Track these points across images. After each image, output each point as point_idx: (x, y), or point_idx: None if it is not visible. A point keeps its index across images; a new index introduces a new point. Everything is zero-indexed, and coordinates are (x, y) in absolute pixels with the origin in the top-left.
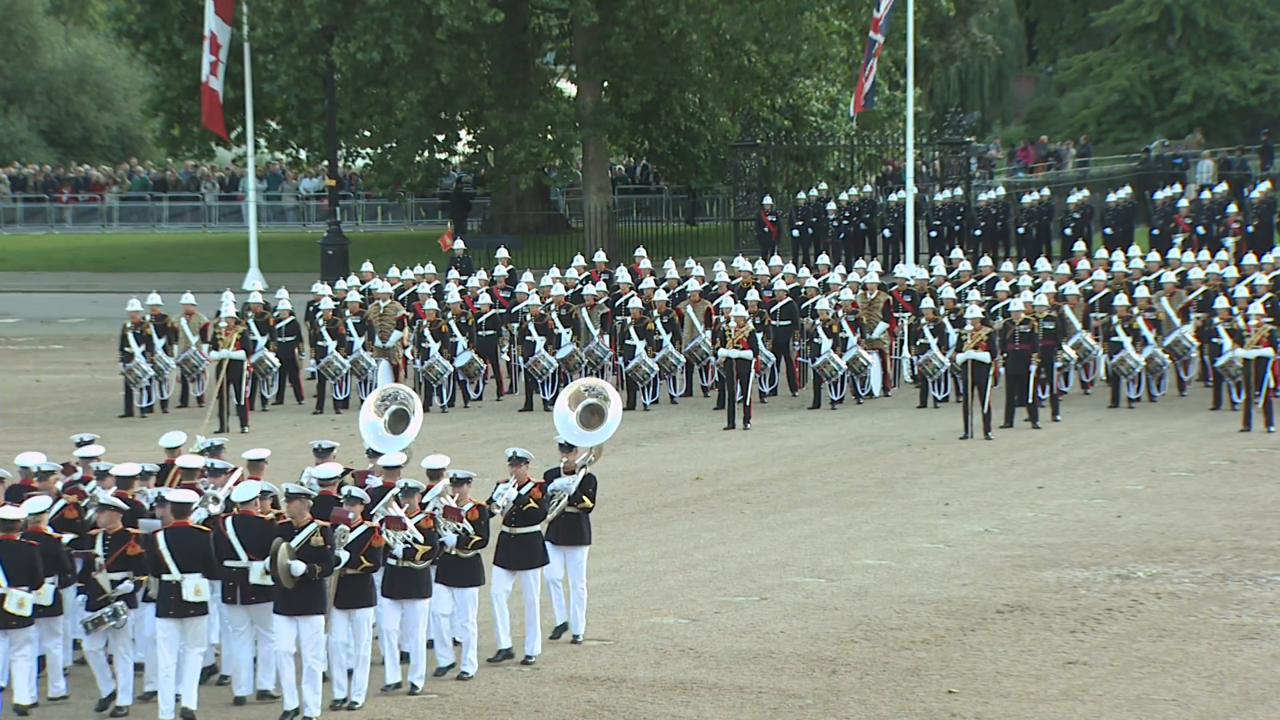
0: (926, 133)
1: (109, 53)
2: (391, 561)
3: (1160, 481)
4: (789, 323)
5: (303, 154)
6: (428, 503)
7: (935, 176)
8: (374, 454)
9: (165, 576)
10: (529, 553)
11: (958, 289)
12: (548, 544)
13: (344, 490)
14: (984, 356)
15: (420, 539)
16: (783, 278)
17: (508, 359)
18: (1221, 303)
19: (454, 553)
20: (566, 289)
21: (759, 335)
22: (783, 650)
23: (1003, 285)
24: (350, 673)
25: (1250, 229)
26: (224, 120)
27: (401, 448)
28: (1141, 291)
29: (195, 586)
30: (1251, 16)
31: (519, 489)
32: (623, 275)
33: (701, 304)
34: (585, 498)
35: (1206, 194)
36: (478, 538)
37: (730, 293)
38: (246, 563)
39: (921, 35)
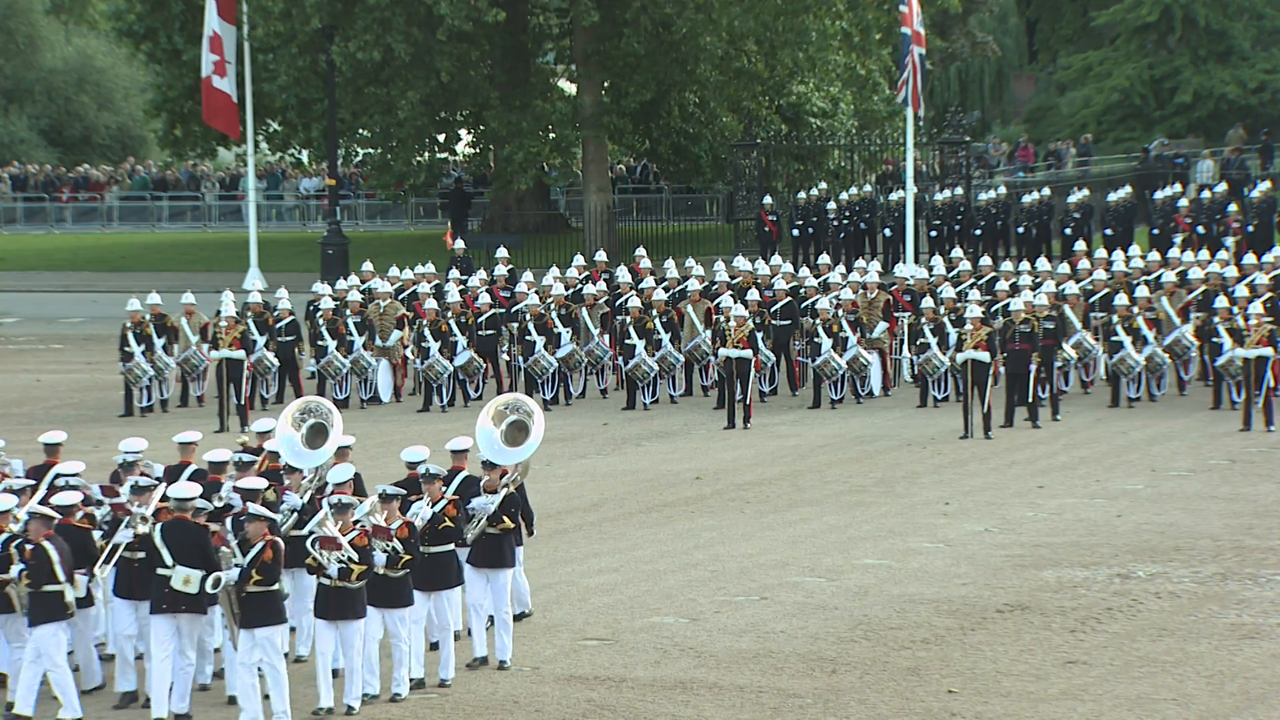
0: (926, 132)
1: (109, 52)
2: (325, 581)
3: (1160, 481)
4: (789, 322)
5: (304, 155)
6: (360, 520)
7: (935, 176)
8: (291, 469)
9: (160, 570)
10: (444, 572)
11: (958, 289)
12: (468, 567)
13: (249, 507)
14: (984, 356)
15: (355, 558)
16: (782, 277)
17: (508, 358)
18: (1221, 302)
19: (383, 573)
20: (566, 289)
21: (759, 335)
22: (783, 650)
23: (1003, 285)
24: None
25: (1250, 229)
26: (232, 120)
27: (319, 463)
28: (1141, 291)
29: (185, 577)
30: (1251, 16)
31: (432, 506)
32: (623, 275)
33: (701, 303)
34: (506, 518)
35: (1206, 194)
36: (408, 556)
37: (730, 292)
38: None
39: (930, 30)
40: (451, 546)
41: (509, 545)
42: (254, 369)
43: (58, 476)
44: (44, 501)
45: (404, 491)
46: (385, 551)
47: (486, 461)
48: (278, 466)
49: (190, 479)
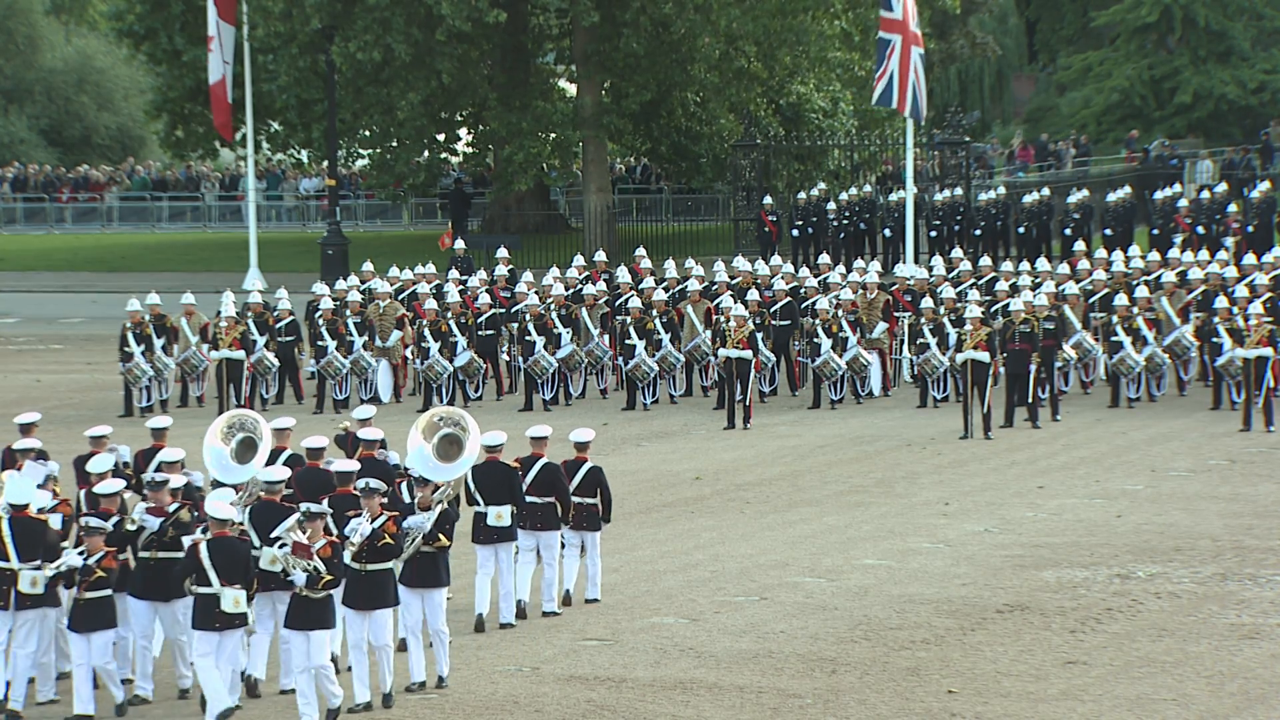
0: (926, 133)
1: (109, 53)
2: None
3: (1160, 481)
4: (789, 323)
5: (304, 155)
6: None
7: (935, 176)
8: (218, 484)
9: (204, 589)
10: (380, 592)
11: (958, 289)
12: (402, 587)
13: (83, 519)
14: (984, 356)
15: (323, 568)
16: (783, 277)
17: (507, 359)
18: (1221, 302)
19: (303, 593)
20: (566, 289)
21: (759, 335)
22: (783, 650)
23: (1003, 285)
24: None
25: (1250, 229)
26: (228, 122)
27: (249, 477)
28: (1141, 291)
29: (234, 599)
30: (1251, 16)
31: (372, 523)
32: (623, 275)
33: (701, 304)
34: (441, 535)
35: (1206, 194)
36: (329, 577)
37: (730, 292)
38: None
39: (925, 35)
40: (390, 565)
41: (444, 563)
42: (254, 369)
43: (161, 463)
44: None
45: (328, 510)
46: (306, 571)
47: (419, 478)
48: (371, 454)
49: (286, 464)
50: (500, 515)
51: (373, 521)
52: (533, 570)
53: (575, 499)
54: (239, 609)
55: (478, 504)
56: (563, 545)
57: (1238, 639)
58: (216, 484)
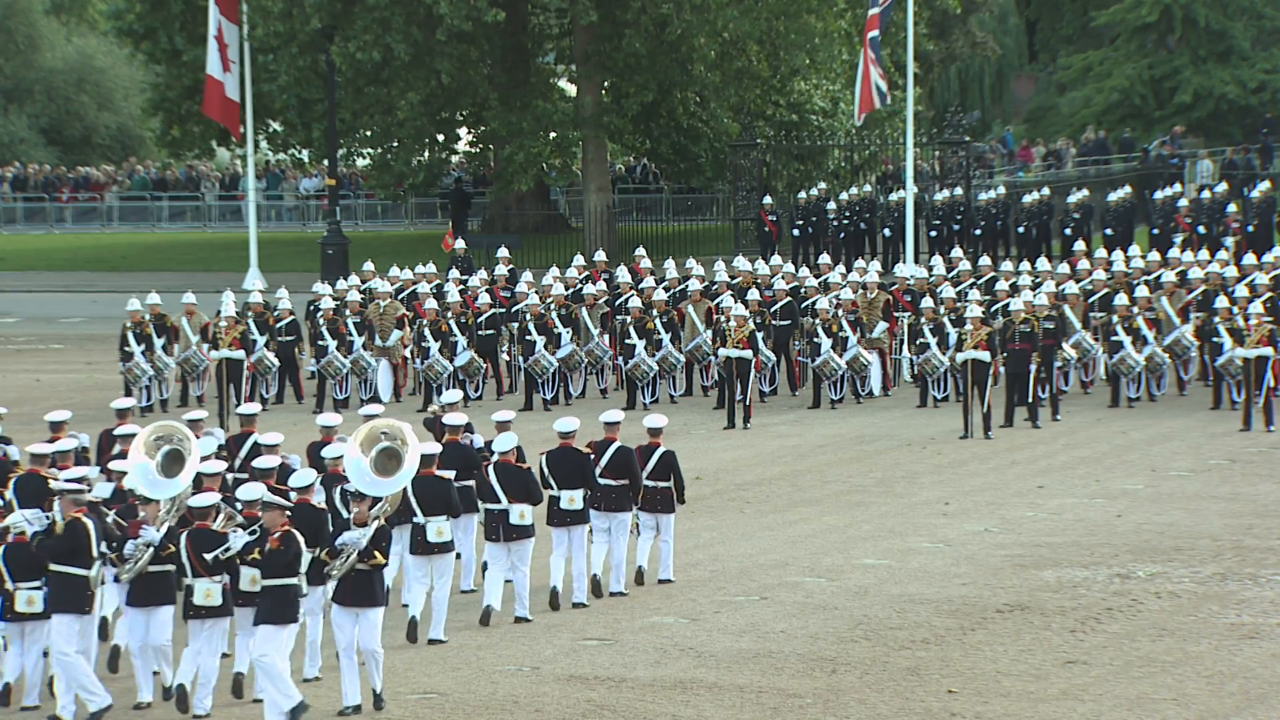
0: (926, 133)
1: (109, 52)
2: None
3: (1160, 481)
4: (789, 322)
5: (304, 155)
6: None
7: (935, 176)
8: (146, 499)
9: (186, 581)
10: (285, 607)
11: (958, 288)
12: (336, 605)
13: None
14: (984, 356)
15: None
16: (783, 277)
17: (508, 358)
18: (1221, 302)
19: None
20: (566, 288)
21: (759, 335)
22: (783, 650)
23: (1003, 285)
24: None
25: (1250, 229)
26: (232, 117)
27: (177, 493)
28: (1141, 291)
29: (206, 590)
30: (1251, 16)
31: (251, 535)
32: (623, 275)
33: (702, 303)
34: (377, 553)
35: (1206, 194)
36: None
37: (730, 292)
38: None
39: (924, 36)
40: (293, 581)
41: (379, 581)
42: (254, 369)
43: (256, 445)
44: (244, 467)
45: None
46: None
47: (355, 492)
48: (456, 438)
49: None
50: (573, 499)
51: (257, 534)
52: (605, 551)
53: (649, 482)
54: (210, 600)
55: (552, 489)
56: (638, 529)
57: (1238, 639)
58: (144, 499)
